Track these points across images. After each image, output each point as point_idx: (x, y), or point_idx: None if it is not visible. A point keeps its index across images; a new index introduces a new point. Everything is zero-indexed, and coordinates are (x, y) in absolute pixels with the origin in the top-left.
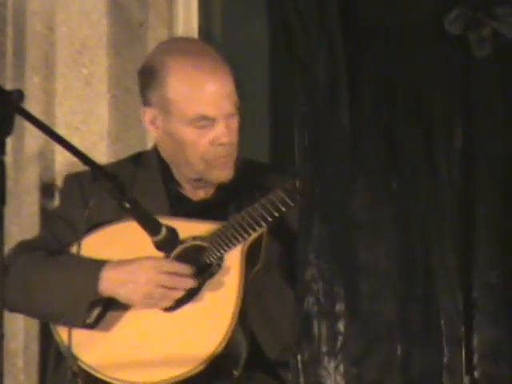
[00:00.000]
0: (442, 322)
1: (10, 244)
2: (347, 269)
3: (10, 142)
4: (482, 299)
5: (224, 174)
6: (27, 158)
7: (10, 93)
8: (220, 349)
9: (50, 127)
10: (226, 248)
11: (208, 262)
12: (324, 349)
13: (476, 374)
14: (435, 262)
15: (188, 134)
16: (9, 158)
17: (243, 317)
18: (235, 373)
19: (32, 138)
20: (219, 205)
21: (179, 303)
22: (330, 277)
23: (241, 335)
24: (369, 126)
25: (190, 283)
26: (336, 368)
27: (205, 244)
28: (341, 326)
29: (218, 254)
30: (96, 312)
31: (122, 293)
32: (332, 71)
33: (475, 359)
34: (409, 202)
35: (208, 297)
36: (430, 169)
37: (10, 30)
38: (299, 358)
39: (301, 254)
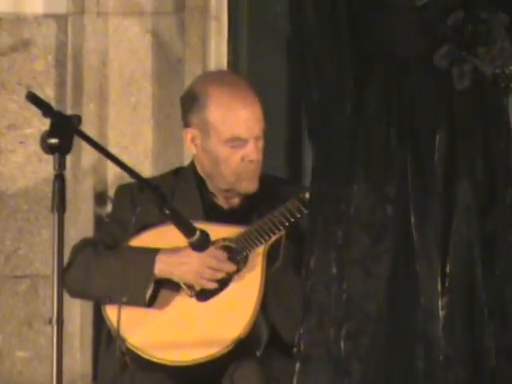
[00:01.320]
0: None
1: (69, 245)
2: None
3: (69, 158)
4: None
5: (251, 186)
6: (84, 172)
7: (69, 117)
8: (245, 333)
9: (103, 146)
10: (251, 248)
11: (235, 260)
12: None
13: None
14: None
15: (223, 151)
16: (68, 173)
17: (264, 306)
18: (257, 353)
19: (88, 156)
20: (244, 212)
21: (211, 294)
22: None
23: (262, 322)
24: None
25: (230, 267)
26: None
27: (232, 245)
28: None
29: (244, 253)
30: (149, 293)
31: (176, 273)
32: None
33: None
34: (403, 199)
35: (235, 289)
36: (418, 176)
37: (69, 64)
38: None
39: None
